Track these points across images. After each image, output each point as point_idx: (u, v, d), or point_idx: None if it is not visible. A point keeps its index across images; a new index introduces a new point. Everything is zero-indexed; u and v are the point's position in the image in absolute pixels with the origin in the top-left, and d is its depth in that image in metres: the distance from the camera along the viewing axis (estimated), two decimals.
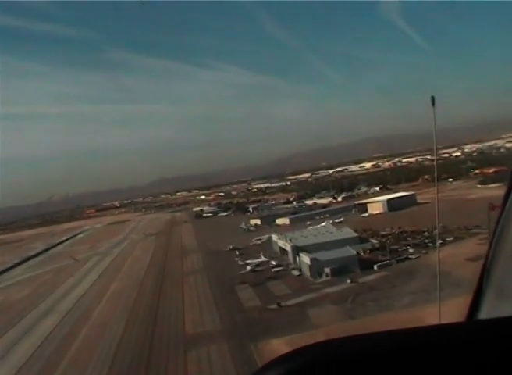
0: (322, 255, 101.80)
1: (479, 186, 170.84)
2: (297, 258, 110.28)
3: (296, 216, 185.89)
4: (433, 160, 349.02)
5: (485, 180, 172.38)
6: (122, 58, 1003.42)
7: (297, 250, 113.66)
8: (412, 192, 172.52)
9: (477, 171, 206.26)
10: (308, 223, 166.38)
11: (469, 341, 2.04)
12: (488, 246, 3.62)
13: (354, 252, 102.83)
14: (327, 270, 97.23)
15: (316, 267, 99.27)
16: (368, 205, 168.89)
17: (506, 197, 3.53)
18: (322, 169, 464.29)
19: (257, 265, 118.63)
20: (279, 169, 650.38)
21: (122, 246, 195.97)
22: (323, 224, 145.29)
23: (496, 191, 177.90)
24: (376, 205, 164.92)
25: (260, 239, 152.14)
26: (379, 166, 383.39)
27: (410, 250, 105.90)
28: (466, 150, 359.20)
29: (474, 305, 3.47)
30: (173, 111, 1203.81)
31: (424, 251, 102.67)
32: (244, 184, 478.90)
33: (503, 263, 3.47)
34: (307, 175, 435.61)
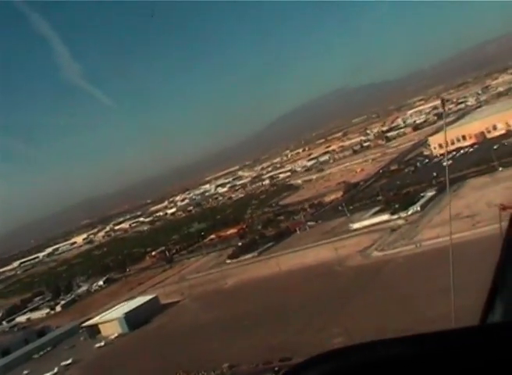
0: None
1: (229, 261, 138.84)
2: None
3: (6, 360, 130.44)
4: (145, 222, 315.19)
5: (234, 252, 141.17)
6: None
7: None
8: (152, 295, 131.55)
9: (212, 235, 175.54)
10: (26, 372, 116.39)
11: (484, 345, 1.99)
12: (501, 247, 3.51)
13: None
14: None
15: None
16: (100, 325, 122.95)
17: None
18: (31, 253, 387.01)
19: None
20: None
21: None
22: None
23: (255, 268, 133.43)
24: (111, 324, 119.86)
25: None
26: (92, 241, 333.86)
27: None
28: (179, 203, 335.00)
29: (489, 308, 3.34)
30: None
31: None
32: None
33: None
34: (16, 264, 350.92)
